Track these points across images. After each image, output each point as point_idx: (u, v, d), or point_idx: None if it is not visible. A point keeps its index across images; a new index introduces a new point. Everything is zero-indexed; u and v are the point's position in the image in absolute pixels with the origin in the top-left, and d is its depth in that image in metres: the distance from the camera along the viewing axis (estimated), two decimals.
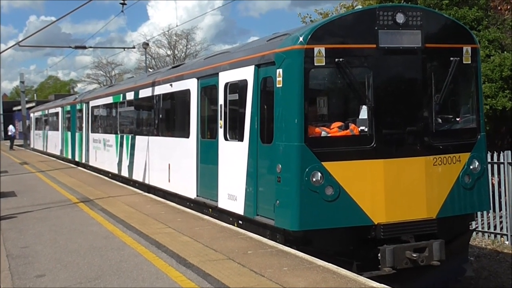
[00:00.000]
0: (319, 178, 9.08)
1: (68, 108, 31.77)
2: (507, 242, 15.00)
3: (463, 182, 10.00)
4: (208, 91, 13.10)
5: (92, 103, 25.85)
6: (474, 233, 14.57)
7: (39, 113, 45.19)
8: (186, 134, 13.89)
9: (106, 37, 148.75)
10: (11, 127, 52.30)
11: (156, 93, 16.68)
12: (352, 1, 26.67)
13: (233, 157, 11.28)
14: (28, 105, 62.44)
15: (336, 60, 9.26)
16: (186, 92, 14.00)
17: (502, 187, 15.08)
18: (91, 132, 25.91)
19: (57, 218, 12.74)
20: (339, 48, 9.37)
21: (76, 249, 9.67)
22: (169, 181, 15.33)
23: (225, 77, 11.83)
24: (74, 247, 9.86)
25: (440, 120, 10.18)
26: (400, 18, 9.58)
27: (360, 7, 21.59)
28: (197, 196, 13.35)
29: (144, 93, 17.81)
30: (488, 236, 15.59)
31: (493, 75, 17.69)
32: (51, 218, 12.77)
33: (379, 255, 9.12)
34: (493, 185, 14.79)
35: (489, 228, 15.64)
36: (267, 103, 10.14)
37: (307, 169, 9.05)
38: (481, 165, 10.20)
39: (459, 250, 10.31)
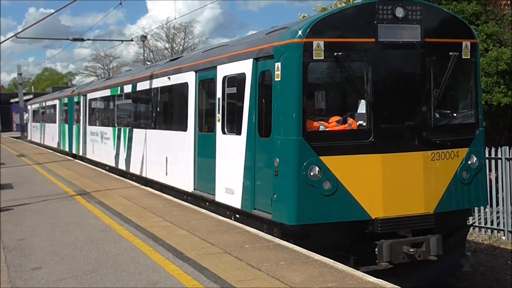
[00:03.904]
0: (316, 173, 9.06)
1: (66, 100, 31.68)
2: (504, 238, 15.01)
3: (461, 177, 9.98)
4: (206, 85, 13.06)
5: (90, 96, 25.78)
6: (471, 228, 14.57)
7: (37, 105, 45.06)
8: (183, 128, 13.86)
9: (105, 30, 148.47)
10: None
11: (154, 86, 16.63)
12: None
13: (231, 150, 11.25)
14: (25, 97, 62.31)
15: (335, 54, 9.21)
16: (184, 85, 13.95)
17: (500, 183, 15.09)
18: (89, 125, 25.85)
19: (54, 211, 12.71)
20: (338, 42, 9.33)
21: (72, 242, 9.65)
22: (166, 174, 15.31)
23: (223, 71, 11.78)
24: (70, 239, 9.84)
25: (438, 115, 10.15)
26: (399, 12, 9.53)
27: (360, 1, 21.50)
28: (194, 189, 13.33)
29: (142, 86, 17.76)
30: (485, 232, 15.60)
31: (490, 68, 17.65)
32: (48, 211, 12.74)
33: (376, 249, 9.12)
34: (490, 180, 14.79)
35: (486, 223, 15.65)
36: (265, 96, 10.10)
37: (304, 163, 9.03)
38: (479, 160, 10.18)
39: (456, 245, 10.31)
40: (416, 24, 9.64)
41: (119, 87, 20.87)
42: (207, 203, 12.71)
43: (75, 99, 28.90)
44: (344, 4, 23.45)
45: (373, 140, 9.40)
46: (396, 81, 9.74)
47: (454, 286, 11.46)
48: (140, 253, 8.84)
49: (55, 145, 34.74)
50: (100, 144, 23.46)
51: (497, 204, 15.33)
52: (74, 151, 29.00)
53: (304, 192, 9.05)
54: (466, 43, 10.14)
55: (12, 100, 77.94)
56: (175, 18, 75.53)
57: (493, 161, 15.05)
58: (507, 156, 14.79)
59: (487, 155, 14.09)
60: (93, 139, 24.90)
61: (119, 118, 21.17)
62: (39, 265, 8.22)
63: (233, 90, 11.38)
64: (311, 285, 7.00)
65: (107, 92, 22.69)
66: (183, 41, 70.54)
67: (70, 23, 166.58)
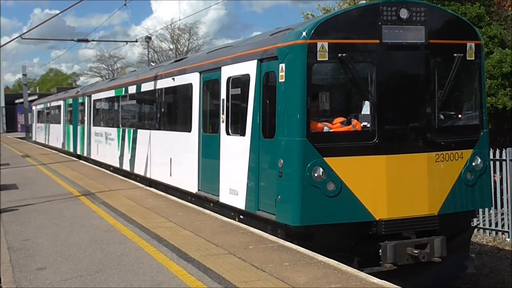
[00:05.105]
0: (320, 174, 9.06)
1: (70, 101, 31.76)
2: (508, 239, 14.98)
3: (465, 178, 9.96)
4: (210, 86, 13.08)
5: (94, 97, 25.84)
6: (475, 230, 14.55)
7: (41, 106, 45.18)
8: (188, 128, 13.88)
9: (110, 31, 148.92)
10: None
11: (158, 87, 16.66)
12: None
13: (235, 151, 11.26)
14: (30, 98, 62.52)
15: (339, 55, 9.22)
16: (188, 86, 13.97)
17: (504, 184, 15.06)
18: (93, 126, 25.91)
19: (58, 211, 12.75)
20: (342, 43, 9.33)
21: (77, 242, 9.67)
22: (170, 175, 15.33)
23: (228, 72, 11.80)
24: (75, 240, 9.87)
25: (442, 117, 10.14)
26: (403, 13, 9.52)
27: (364, 2, 21.48)
28: (198, 190, 13.34)
29: (146, 87, 17.79)
30: (490, 233, 15.58)
31: (494, 71, 17.62)
32: (52, 211, 12.78)
33: (380, 251, 9.11)
34: (494, 182, 14.77)
35: (490, 225, 15.62)
36: (270, 98, 10.11)
37: (309, 165, 9.03)
38: (484, 162, 10.16)
39: (460, 246, 10.29)
40: (420, 25, 9.63)
41: (123, 88, 20.92)
42: (211, 204, 12.73)
43: (80, 100, 28.98)
44: (348, 5, 23.46)
45: (377, 141, 9.39)
46: (400, 83, 9.73)
47: None
48: (144, 253, 8.86)
49: (59, 146, 34.82)
50: (105, 145, 23.50)
51: (502, 206, 15.31)
52: (78, 152, 29.06)
53: (308, 193, 9.05)
54: (470, 45, 10.13)
55: (17, 101, 78.18)
56: (179, 19, 75.51)
57: (497, 163, 15.02)
58: None
59: (491, 157, 14.06)
60: (97, 140, 24.95)
61: (123, 119, 21.21)
62: (44, 265, 8.25)
63: (237, 91, 11.39)
64: (315, 286, 7.00)
65: (111, 93, 22.74)
66: (187, 42, 70.63)
67: (75, 24, 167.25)
